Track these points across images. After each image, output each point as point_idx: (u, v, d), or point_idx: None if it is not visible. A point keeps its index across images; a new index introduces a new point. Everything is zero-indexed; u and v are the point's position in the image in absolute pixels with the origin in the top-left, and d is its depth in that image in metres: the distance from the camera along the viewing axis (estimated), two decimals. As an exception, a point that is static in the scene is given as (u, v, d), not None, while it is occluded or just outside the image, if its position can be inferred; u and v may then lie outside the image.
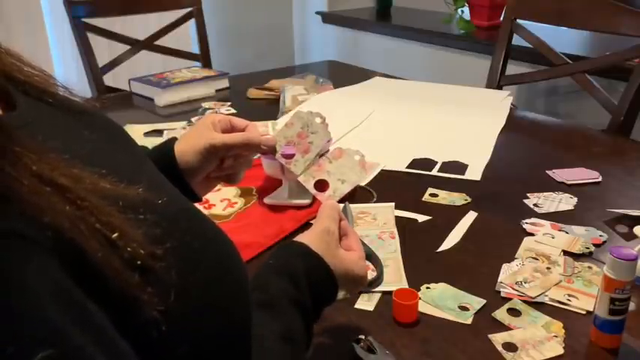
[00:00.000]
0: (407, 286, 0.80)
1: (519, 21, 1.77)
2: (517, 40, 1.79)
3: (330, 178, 1.02)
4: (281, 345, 0.54)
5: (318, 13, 3.09)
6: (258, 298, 0.56)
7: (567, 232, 0.95)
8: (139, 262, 0.39)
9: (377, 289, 0.80)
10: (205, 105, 1.65)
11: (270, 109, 1.61)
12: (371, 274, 0.84)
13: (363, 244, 0.90)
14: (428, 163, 1.24)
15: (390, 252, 0.90)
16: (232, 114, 1.57)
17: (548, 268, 0.85)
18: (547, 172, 1.19)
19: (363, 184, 1.14)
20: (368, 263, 0.87)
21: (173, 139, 0.82)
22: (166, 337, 0.40)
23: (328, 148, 1.09)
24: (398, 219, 1.00)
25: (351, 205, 1.01)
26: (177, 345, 0.41)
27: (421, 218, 1.01)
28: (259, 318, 0.53)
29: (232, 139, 0.81)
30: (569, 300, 0.78)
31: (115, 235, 0.38)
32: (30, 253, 0.33)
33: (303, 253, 0.62)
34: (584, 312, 0.76)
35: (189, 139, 0.81)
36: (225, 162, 0.85)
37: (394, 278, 0.83)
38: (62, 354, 0.31)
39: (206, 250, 0.48)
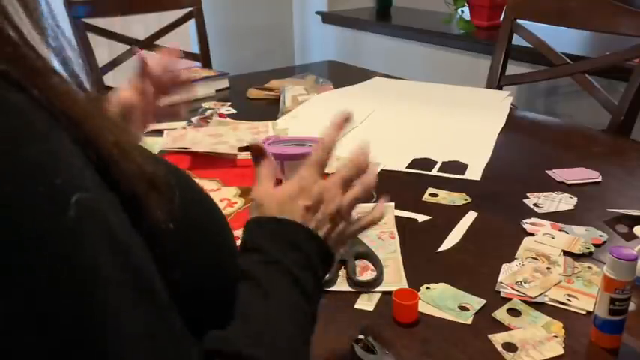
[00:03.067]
0: (407, 286, 0.80)
1: (519, 21, 1.77)
2: (517, 40, 1.79)
3: None
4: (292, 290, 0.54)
5: (318, 13, 3.09)
6: (259, 258, 0.55)
7: (567, 232, 0.95)
8: (144, 175, 0.43)
9: (377, 289, 0.80)
10: (205, 105, 1.65)
11: (270, 109, 1.61)
12: (371, 274, 0.84)
13: (363, 244, 0.90)
14: (428, 163, 1.24)
15: (390, 252, 0.90)
16: (232, 114, 1.57)
17: (548, 268, 0.85)
18: (547, 172, 1.19)
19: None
20: (368, 263, 0.87)
21: None
22: (166, 254, 0.43)
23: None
24: (398, 219, 1.00)
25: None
26: (173, 267, 0.44)
27: (421, 218, 1.01)
28: (268, 272, 0.54)
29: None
30: (569, 300, 0.78)
31: (125, 146, 0.42)
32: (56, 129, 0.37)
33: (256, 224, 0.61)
34: (584, 312, 0.76)
35: None
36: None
37: (394, 278, 0.83)
38: (95, 200, 0.37)
39: (196, 191, 0.54)
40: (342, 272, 0.84)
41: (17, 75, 0.36)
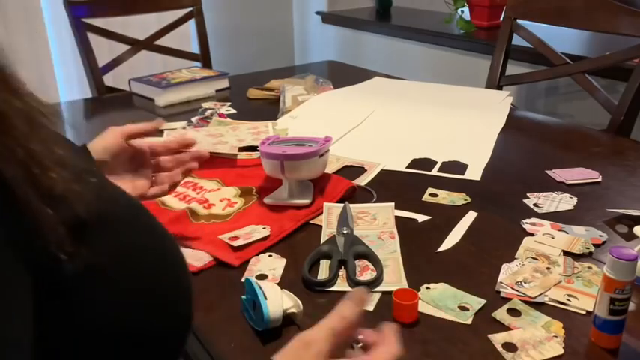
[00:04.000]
0: (407, 286, 0.80)
1: (519, 21, 1.77)
2: (517, 40, 1.79)
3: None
4: None
5: (318, 13, 3.09)
6: None
7: (567, 232, 0.95)
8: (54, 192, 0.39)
9: (377, 289, 0.80)
10: (205, 105, 1.65)
11: (270, 109, 1.61)
12: (371, 274, 0.84)
13: (363, 244, 0.90)
14: (428, 163, 1.24)
15: (390, 252, 0.90)
16: (232, 114, 1.57)
17: (548, 268, 0.85)
18: (547, 172, 1.19)
19: (363, 184, 1.14)
20: (368, 263, 0.87)
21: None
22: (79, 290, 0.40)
23: (328, 148, 1.09)
24: (398, 219, 1.00)
25: (351, 205, 1.02)
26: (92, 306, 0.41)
27: (421, 218, 1.01)
28: None
29: (130, 128, 0.91)
30: (569, 300, 0.78)
31: (35, 170, 0.38)
32: None
33: None
34: (583, 312, 0.76)
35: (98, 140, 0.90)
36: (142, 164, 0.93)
37: (394, 278, 0.83)
38: None
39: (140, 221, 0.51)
40: (342, 272, 0.84)
41: None
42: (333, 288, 0.81)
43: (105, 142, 0.89)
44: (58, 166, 0.39)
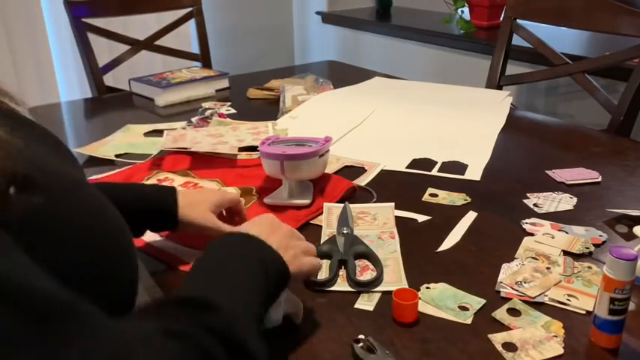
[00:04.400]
0: (407, 286, 0.80)
1: (519, 21, 1.77)
2: (517, 40, 1.79)
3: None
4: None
5: (318, 13, 3.09)
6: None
7: (567, 232, 0.95)
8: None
9: (377, 289, 0.80)
10: (205, 105, 1.65)
11: (270, 109, 1.61)
12: (371, 274, 0.84)
13: (363, 244, 0.90)
14: (428, 163, 1.24)
15: (390, 252, 0.90)
16: (232, 114, 1.57)
17: (548, 268, 0.85)
18: (547, 172, 1.19)
19: (363, 183, 1.14)
20: (368, 263, 0.87)
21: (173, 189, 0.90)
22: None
23: (328, 148, 1.09)
24: (398, 219, 1.00)
25: (351, 205, 1.02)
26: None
27: (421, 218, 1.01)
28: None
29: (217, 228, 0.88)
30: (568, 300, 0.78)
31: None
32: None
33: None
34: (583, 312, 0.76)
35: (191, 203, 0.89)
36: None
37: (394, 278, 0.83)
38: None
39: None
40: (342, 272, 0.84)
41: None
42: (333, 288, 0.81)
43: (193, 214, 0.88)
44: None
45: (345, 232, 0.93)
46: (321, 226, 0.98)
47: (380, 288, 0.81)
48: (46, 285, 0.40)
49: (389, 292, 0.78)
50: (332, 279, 0.82)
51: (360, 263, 0.87)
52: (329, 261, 0.87)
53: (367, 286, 0.81)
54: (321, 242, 0.93)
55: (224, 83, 1.83)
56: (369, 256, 0.88)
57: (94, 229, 0.53)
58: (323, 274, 0.84)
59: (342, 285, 0.82)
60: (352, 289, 0.81)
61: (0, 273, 0.37)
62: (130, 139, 1.40)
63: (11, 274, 0.38)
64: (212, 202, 0.89)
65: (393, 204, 1.04)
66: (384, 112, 1.56)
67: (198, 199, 0.89)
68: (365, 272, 0.85)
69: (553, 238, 0.94)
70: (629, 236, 0.95)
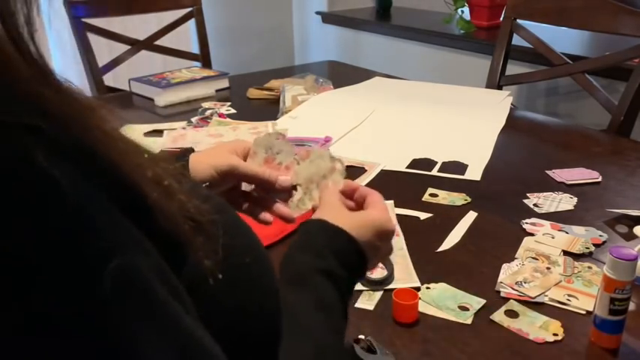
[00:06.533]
0: (418, 283, 0.80)
1: (519, 21, 1.77)
2: (517, 40, 1.79)
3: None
4: (315, 314, 0.54)
5: (318, 13, 3.08)
6: (285, 275, 0.56)
7: (567, 232, 0.95)
8: (188, 214, 0.40)
9: (389, 287, 0.80)
10: (205, 105, 1.65)
11: (270, 109, 1.61)
12: (381, 273, 0.83)
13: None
14: (428, 163, 1.24)
15: (397, 249, 0.89)
16: (232, 114, 1.57)
17: (548, 268, 0.85)
18: (547, 172, 1.19)
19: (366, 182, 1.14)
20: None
21: (191, 149, 0.81)
22: (216, 294, 0.41)
23: (328, 148, 1.09)
24: (398, 218, 1.00)
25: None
26: (216, 317, 0.41)
27: (423, 216, 1.01)
28: (290, 293, 0.53)
29: (246, 168, 0.79)
30: (568, 300, 0.78)
31: (166, 183, 0.39)
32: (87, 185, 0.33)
33: (321, 227, 0.61)
34: (583, 312, 0.76)
35: (207, 153, 0.81)
36: (245, 194, 0.83)
37: (404, 276, 0.83)
38: (133, 264, 0.32)
39: (240, 227, 0.51)
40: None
41: (53, 129, 0.32)
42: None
43: (215, 161, 0.78)
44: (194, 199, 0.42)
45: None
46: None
47: (392, 286, 0.80)
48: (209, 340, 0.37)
49: (389, 292, 0.78)
50: (389, 277, 0.79)
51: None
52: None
53: (380, 285, 0.80)
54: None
55: (224, 83, 1.83)
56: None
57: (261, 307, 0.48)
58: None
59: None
60: (365, 288, 0.80)
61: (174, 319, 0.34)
62: (129, 139, 1.40)
63: (182, 318, 0.35)
64: (226, 149, 0.81)
65: (392, 201, 1.04)
66: (384, 112, 1.56)
67: (209, 151, 0.82)
68: (375, 270, 0.84)
69: (553, 238, 0.93)
70: (629, 236, 0.95)
